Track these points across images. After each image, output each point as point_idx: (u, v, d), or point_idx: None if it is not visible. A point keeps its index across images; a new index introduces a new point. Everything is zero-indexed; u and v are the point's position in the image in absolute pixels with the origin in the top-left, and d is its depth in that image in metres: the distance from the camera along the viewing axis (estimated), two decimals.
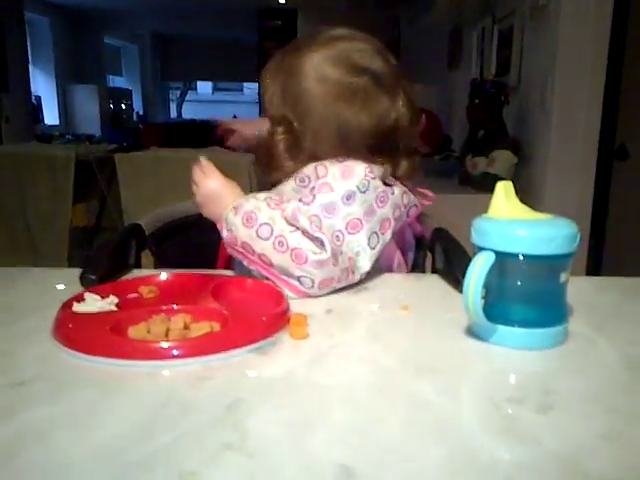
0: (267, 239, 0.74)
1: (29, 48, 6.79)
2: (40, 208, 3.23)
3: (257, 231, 0.74)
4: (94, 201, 3.74)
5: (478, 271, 0.56)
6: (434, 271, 0.89)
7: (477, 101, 2.82)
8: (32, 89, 6.90)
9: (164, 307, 0.62)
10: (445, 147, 3.88)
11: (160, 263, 0.95)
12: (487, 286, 0.58)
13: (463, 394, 0.51)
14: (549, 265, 0.57)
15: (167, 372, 0.54)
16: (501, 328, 0.59)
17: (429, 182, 0.98)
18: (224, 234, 0.76)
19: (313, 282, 0.72)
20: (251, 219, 0.75)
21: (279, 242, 0.73)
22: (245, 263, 0.76)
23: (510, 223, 0.58)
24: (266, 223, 0.74)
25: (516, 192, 0.62)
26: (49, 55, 7.90)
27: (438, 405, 0.48)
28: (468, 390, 0.52)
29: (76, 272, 0.80)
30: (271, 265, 0.74)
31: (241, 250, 0.76)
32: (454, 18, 3.96)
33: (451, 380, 0.53)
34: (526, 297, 0.60)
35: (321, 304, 0.72)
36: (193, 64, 10.49)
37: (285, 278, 0.73)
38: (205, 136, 7.33)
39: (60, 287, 0.77)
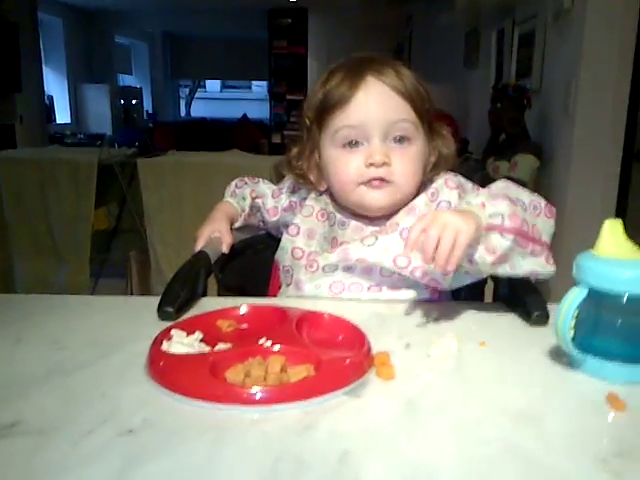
0: (524, 209, 0.77)
1: (41, 48, 6.80)
2: (63, 212, 3.26)
3: (517, 207, 0.76)
4: (114, 204, 3.76)
5: (571, 303, 0.61)
6: (495, 298, 0.90)
7: (499, 105, 2.83)
8: (44, 89, 6.92)
9: (259, 345, 0.63)
10: (462, 149, 3.88)
11: (221, 288, 0.97)
12: (581, 318, 0.62)
13: (562, 443, 0.52)
14: None
15: (270, 418, 0.55)
16: (595, 360, 0.63)
17: None
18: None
19: None
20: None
21: (534, 206, 0.79)
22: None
23: (612, 262, 0.61)
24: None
25: (625, 230, 0.63)
26: (61, 55, 7.94)
27: (541, 457, 0.49)
28: (566, 438, 0.53)
29: (144, 301, 0.82)
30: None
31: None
32: (471, 19, 3.96)
33: (550, 428, 0.54)
34: (624, 333, 0.62)
35: (397, 338, 0.73)
36: (203, 62, 10.50)
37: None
38: (217, 136, 7.33)
39: None
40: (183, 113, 11.66)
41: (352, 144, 0.89)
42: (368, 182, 0.89)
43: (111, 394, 0.59)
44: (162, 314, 0.76)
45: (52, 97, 7.76)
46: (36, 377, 0.63)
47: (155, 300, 0.79)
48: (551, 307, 0.79)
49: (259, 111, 9.85)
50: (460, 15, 3.78)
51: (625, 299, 0.59)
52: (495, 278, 0.88)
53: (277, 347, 0.63)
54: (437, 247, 0.71)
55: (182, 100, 11.81)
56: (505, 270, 0.77)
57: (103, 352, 0.69)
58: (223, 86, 12.71)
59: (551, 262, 0.79)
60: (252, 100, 11.66)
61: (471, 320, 0.80)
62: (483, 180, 2.98)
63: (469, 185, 0.95)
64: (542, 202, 0.83)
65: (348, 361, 0.61)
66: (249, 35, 9.36)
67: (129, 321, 0.79)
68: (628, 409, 0.57)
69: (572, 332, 0.63)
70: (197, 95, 12.28)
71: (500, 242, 0.74)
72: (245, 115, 8.62)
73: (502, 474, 0.47)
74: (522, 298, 0.80)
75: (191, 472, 0.47)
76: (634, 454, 0.50)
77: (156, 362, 0.62)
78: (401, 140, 0.89)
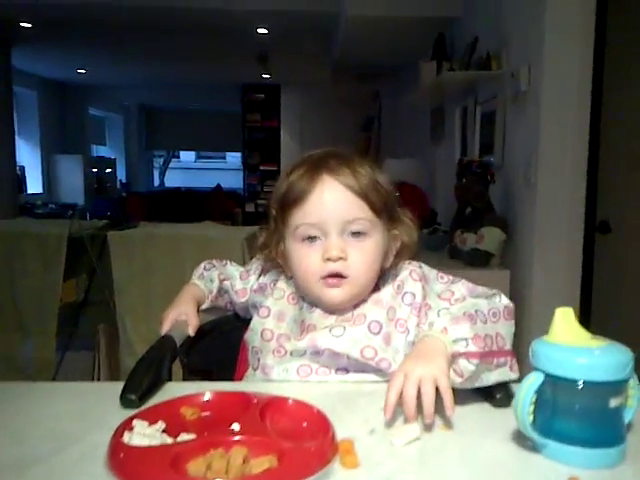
0: (483, 321, 0.83)
1: (15, 120, 6.87)
2: (30, 285, 3.20)
3: (477, 324, 0.81)
4: (83, 276, 3.72)
5: (529, 388, 0.63)
6: None
7: (464, 180, 2.93)
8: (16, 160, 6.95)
9: (221, 438, 0.62)
10: (431, 220, 3.97)
11: (186, 372, 0.96)
12: (540, 403, 0.64)
13: None
14: (603, 390, 0.62)
15: None
16: (555, 445, 0.64)
17: (420, 255, 1.02)
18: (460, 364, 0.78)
19: None
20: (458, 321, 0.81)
21: (492, 314, 0.85)
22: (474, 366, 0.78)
23: (567, 349, 0.63)
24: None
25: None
26: (34, 126, 8.02)
27: None
28: None
29: (108, 387, 0.81)
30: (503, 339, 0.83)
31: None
32: (436, 97, 4.14)
33: None
34: (582, 418, 0.63)
35: (362, 422, 0.73)
36: (178, 133, 10.69)
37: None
38: (191, 206, 7.35)
39: None
40: (157, 183, 11.75)
41: (311, 239, 0.92)
42: (326, 278, 0.92)
43: None
44: (125, 402, 0.75)
45: (23, 167, 7.78)
46: None
47: (118, 386, 0.78)
48: (514, 387, 0.81)
49: (233, 181, 10.00)
50: (425, 94, 3.95)
51: (580, 385, 0.61)
52: None
53: (239, 437, 0.63)
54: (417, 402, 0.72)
55: (156, 170, 11.92)
56: (473, 385, 0.80)
57: (61, 444, 0.67)
58: (198, 156, 12.90)
59: (515, 369, 0.83)
60: (226, 170, 11.83)
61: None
62: (452, 252, 3.05)
63: (433, 274, 0.98)
64: (500, 305, 0.88)
65: (312, 449, 0.61)
66: (223, 108, 9.62)
67: (91, 410, 0.78)
68: None
69: (532, 417, 0.64)
70: (171, 165, 12.43)
71: (467, 366, 0.78)
72: (219, 185, 8.74)
73: None
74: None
75: None
76: None
77: (116, 455, 0.61)
78: (357, 234, 0.92)
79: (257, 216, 7.94)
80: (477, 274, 2.77)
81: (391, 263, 0.96)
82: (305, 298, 0.99)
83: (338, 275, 0.91)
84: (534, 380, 0.63)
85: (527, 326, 2.48)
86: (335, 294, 0.92)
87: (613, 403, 0.61)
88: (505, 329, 0.85)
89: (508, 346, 0.84)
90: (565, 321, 0.65)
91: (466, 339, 0.78)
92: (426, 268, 0.98)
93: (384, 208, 0.93)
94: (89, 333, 3.43)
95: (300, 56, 6.51)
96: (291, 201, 0.92)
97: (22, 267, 3.16)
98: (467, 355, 0.77)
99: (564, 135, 2.58)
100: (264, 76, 7.81)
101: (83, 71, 8.02)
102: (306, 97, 8.54)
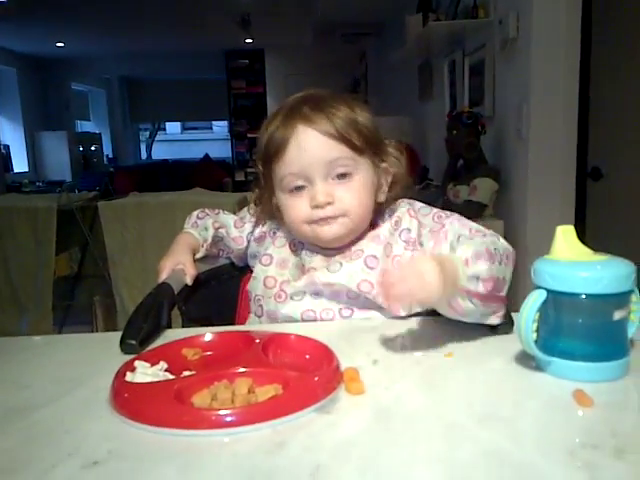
0: (499, 262, 0.77)
1: None
2: (22, 260, 3.18)
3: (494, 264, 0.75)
4: (76, 249, 3.70)
5: (532, 306, 0.63)
6: None
7: (455, 132, 2.89)
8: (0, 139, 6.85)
9: (224, 371, 0.62)
10: (423, 176, 3.95)
11: (185, 320, 0.96)
12: (543, 321, 0.64)
13: (534, 441, 0.52)
14: (606, 302, 0.61)
15: (239, 439, 0.54)
16: (559, 361, 0.64)
17: None
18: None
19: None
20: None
21: (506, 256, 0.79)
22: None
23: (568, 265, 0.63)
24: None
25: (579, 236, 0.65)
26: (16, 104, 7.87)
27: (514, 456, 0.49)
28: (538, 435, 0.53)
29: (109, 337, 0.80)
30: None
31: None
32: (422, 52, 4.07)
33: (520, 427, 0.54)
34: (585, 333, 0.63)
35: (365, 355, 0.73)
36: (162, 105, 10.50)
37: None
38: (180, 177, 7.28)
39: None
40: (144, 156, 11.61)
41: (297, 188, 0.92)
42: (317, 221, 0.92)
43: (75, 429, 0.57)
44: (125, 347, 0.75)
45: (8, 146, 7.66)
46: None
47: (118, 335, 0.78)
48: (514, 315, 0.80)
49: (221, 150, 9.88)
50: (411, 49, 3.88)
51: (582, 299, 0.61)
52: None
53: (243, 370, 0.62)
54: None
55: (142, 144, 11.76)
56: (457, 318, 0.77)
57: (65, 389, 0.66)
58: (183, 128, 12.72)
59: (500, 315, 0.78)
60: (214, 140, 11.68)
61: (437, 332, 0.81)
62: (445, 206, 3.04)
63: (428, 217, 0.94)
64: (510, 248, 0.84)
65: (317, 378, 0.61)
66: (207, 76, 9.45)
67: (92, 357, 0.78)
68: (596, 404, 0.58)
69: (535, 335, 0.64)
70: (158, 138, 12.25)
71: (467, 304, 0.73)
72: (207, 155, 8.65)
73: (477, 476, 0.47)
74: None
75: None
76: (604, 444, 0.50)
77: (120, 393, 0.61)
78: (342, 176, 0.91)
79: (247, 184, 7.87)
80: None
81: (387, 197, 0.95)
82: (305, 245, 0.98)
83: (329, 218, 0.91)
84: (537, 297, 0.62)
85: (523, 274, 2.49)
86: (330, 229, 0.92)
87: (617, 316, 0.61)
88: (509, 274, 0.82)
89: (505, 292, 0.80)
90: (566, 239, 0.65)
91: (479, 278, 0.73)
92: (423, 209, 0.97)
93: (366, 145, 0.91)
94: (85, 306, 3.43)
95: (283, 18, 6.38)
96: (272, 154, 0.92)
97: (14, 243, 3.14)
98: (474, 295, 0.73)
99: (554, 82, 2.55)
100: (247, 41, 7.67)
101: (62, 45, 7.85)
102: (291, 61, 8.41)
